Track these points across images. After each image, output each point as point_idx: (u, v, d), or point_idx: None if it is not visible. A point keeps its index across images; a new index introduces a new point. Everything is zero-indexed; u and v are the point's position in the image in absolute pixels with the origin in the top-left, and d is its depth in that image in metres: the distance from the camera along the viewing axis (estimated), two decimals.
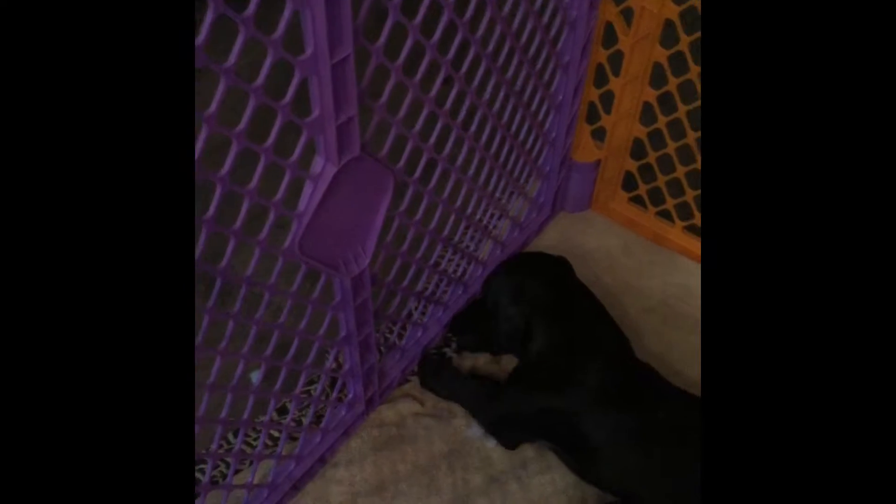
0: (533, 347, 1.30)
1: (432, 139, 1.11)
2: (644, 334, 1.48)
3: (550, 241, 1.63)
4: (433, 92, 1.05)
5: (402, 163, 1.07)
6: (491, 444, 1.33)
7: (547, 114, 1.40)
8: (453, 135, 1.16)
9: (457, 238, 1.34)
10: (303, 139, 0.88)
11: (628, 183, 1.62)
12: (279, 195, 0.92)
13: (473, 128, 1.20)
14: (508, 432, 1.32)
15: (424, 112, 1.06)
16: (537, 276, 1.35)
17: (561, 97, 1.40)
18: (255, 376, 1.22)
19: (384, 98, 0.97)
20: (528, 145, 1.40)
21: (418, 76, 1.00)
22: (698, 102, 1.37)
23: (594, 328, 1.32)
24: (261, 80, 0.78)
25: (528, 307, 1.31)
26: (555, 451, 1.31)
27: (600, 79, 1.45)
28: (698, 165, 1.47)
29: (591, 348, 1.28)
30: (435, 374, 1.38)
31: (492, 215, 1.43)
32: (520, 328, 1.30)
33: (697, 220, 1.55)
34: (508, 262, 1.42)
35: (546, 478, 1.31)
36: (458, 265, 1.41)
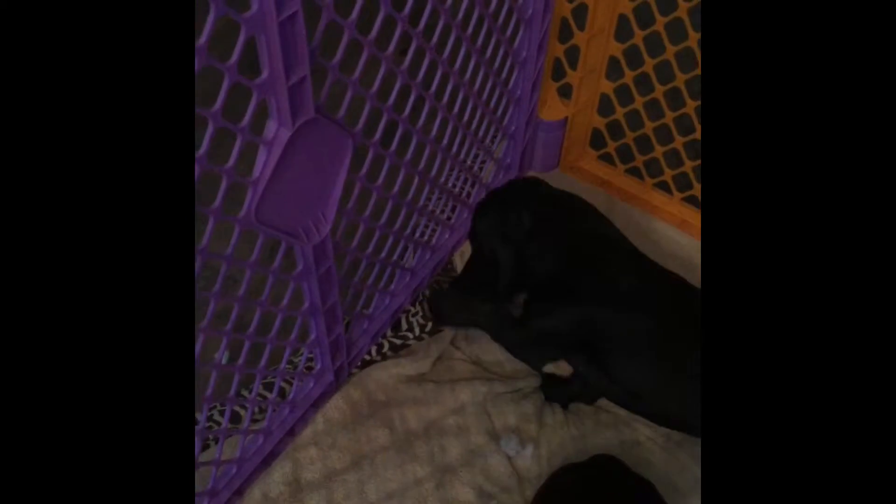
0: (541, 270, 1.28)
1: (391, 100, 1.07)
2: None
3: None
4: (390, 50, 1.01)
5: (360, 125, 1.03)
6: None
7: (511, 71, 1.36)
8: (413, 94, 1.12)
9: (421, 201, 1.30)
10: (253, 102, 0.84)
11: (596, 140, 1.60)
12: (231, 161, 0.87)
13: (434, 87, 1.15)
14: (535, 351, 1.33)
15: (381, 71, 1.02)
16: (518, 206, 1.31)
17: (524, 53, 1.36)
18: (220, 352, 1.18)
19: (338, 57, 0.92)
20: (493, 104, 1.36)
21: (373, 33, 0.96)
22: (665, 55, 1.34)
23: (596, 235, 1.32)
24: (204, 38, 0.73)
25: (520, 240, 1.29)
26: (576, 366, 1.31)
27: (565, 33, 1.41)
28: (667, 120, 1.44)
29: (601, 256, 1.29)
30: (450, 305, 1.37)
31: (458, 177, 1.39)
32: (518, 265, 1.28)
33: (667, 176, 1.53)
34: (483, 204, 1.38)
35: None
36: (424, 229, 1.38)
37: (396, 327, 1.41)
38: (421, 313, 1.42)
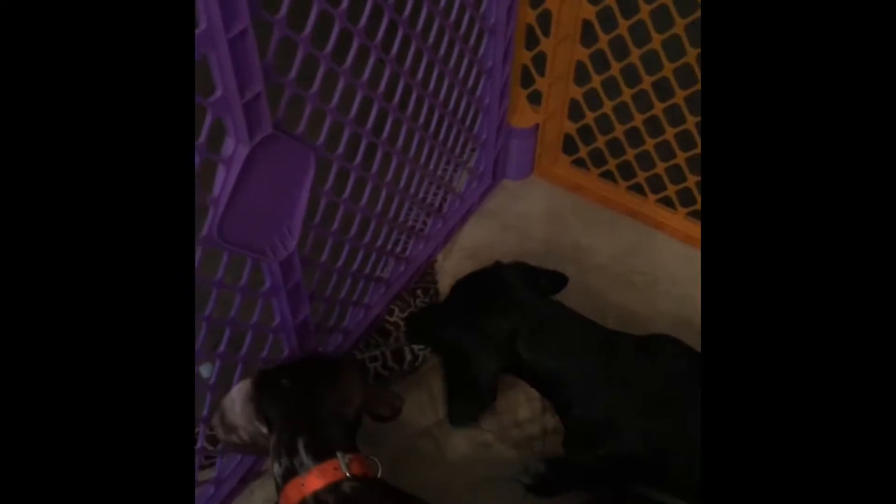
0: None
1: (353, 112, 1.07)
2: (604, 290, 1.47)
3: (495, 209, 1.60)
4: (348, 63, 1.01)
5: (322, 139, 1.03)
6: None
7: (477, 80, 1.36)
8: (375, 106, 1.11)
9: (391, 213, 1.30)
10: (208, 119, 0.84)
11: (569, 145, 1.59)
12: None
13: (397, 98, 1.15)
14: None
15: (341, 84, 1.02)
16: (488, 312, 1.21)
17: (490, 62, 1.36)
18: (206, 370, 1.18)
19: (293, 73, 0.92)
20: (461, 113, 1.36)
21: (329, 47, 0.96)
22: (631, 59, 1.34)
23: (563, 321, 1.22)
24: None
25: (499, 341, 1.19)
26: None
27: (531, 40, 1.41)
28: (637, 123, 1.44)
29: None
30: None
31: (429, 187, 1.39)
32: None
33: (640, 178, 1.53)
34: (440, 309, 1.30)
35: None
36: (397, 241, 1.37)
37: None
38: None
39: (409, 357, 1.33)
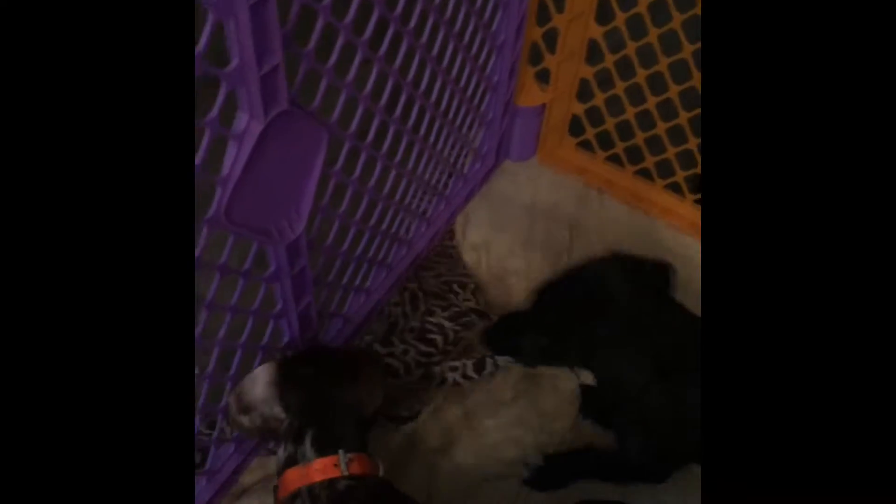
0: None
1: (367, 89, 1.01)
2: None
3: (498, 192, 1.54)
4: (366, 35, 0.94)
5: (335, 116, 0.96)
6: None
7: (488, 56, 1.30)
8: (390, 83, 1.05)
9: (398, 195, 1.24)
10: (222, 92, 0.77)
11: (575, 127, 1.54)
12: (199, 157, 0.80)
13: (411, 75, 1.09)
14: None
15: (357, 58, 0.96)
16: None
17: (502, 37, 1.30)
18: None
19: (312, 44, 0.86)
20: (470, 91, 1.30)
21: (349, 17, 0.89)
22: (648, 38, 1.29)
23: None
24: None
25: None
26: None
27: (543, 16, 1.35)
28: (649, 105, 1.39)
29: None
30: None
31: (435, 168, 1.33)
32: None
33: (649, 163, 1.48)
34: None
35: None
36: (401, 224, 1.31)
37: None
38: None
39: (490, 368, 1.29)
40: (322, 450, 0.95)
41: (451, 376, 1.28)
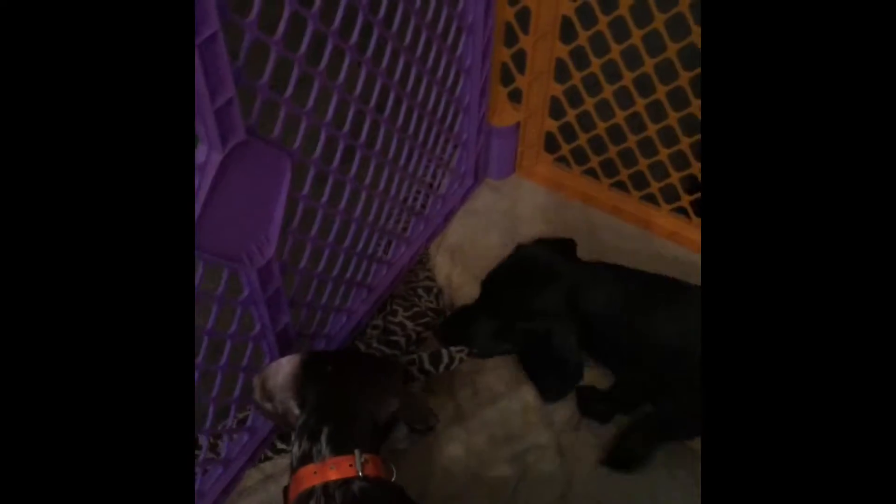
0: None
1: (329, 116, 1.05)
2: None
3: (478, 209, 1.58)
4: (322, 65, 0.99)
5: (297, 143, 1.00)
6: None
7: (456, 79, 1.34)
8: (352, 109, 1.09)
9: (371, 216, 1.28)
10: None
11: (550, 144, 1.58)
12: None
13: (374, 100, 1.13)
14: None
15: (315, 87, 1.00)
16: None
17: (469, 60, 1.34)
18: None
19: (266, 77, 0.90)
20: (440, 113, 1.34)
21: (303, 49, 0.94)
22: (611, 55, 1.33)
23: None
24: None
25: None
26: None
27: (510, 38, 1.39)
28: (618, 119, 1.42)
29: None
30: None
31: (409, 189, 1.37)
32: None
33: (623, 175, 1.51)
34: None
35: None
36: (378, 244, 1.35)
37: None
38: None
39: (445, 360, 1.32)
40: (337, 448, 0.96)
41: (408, 370, 1.31)
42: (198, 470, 1.17)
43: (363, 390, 1.03)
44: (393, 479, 0.99)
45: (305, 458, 0.96)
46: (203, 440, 1.17)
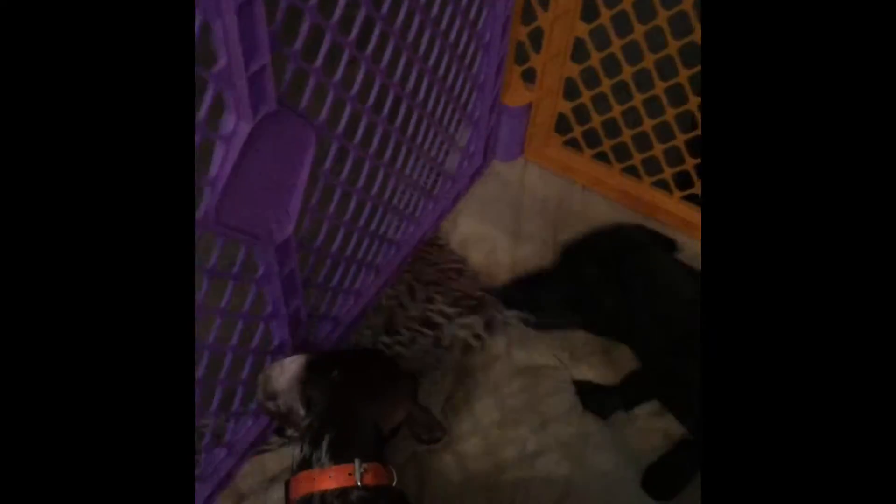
0: None
1: (355, 89, 1.01)
2: None
3: (486, 192, 1.54)
4: (352, 35, 0.94)
5: (323, 116, 0.96)
6: None
7: (475, 54, 1.30)
8: (377, 82, 1.05)
9: (386, 195, 1.24)
10: (209, 94, 0.77)
11: (562, 126, 1.54)
12: None
13: (398, 74, 1.09)
14: None
15: (344, 58, 0.95)
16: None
17: (488, 35, 1.30)
18: None
19: (299, 43, 0.85)
20: (457, 90, 1.30)
21: (335, 17, 0.89)
22: (634, 35, 1.29)
23: None
24: None
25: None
26: None
27: (528, 15, 1.35)
28: (636, 103, 1.39)
29: None
30: None
31: (423, 168, 1.33)
32: None
33: (636, 160, 1.48)
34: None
35: None
36: (390, 224, 1.31)
37: None
38: None
39: (500, 326, 1.30)
40: (338, 456, 0.95)
41: (462, 334, 1.29)
42: (203, 455, 1.13)
43: (369, 399, 1.01)
44: (394, 484, 0.98)
45: (305, 464, 0.96)
46: (210, 422, 1.13)
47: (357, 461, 0.94)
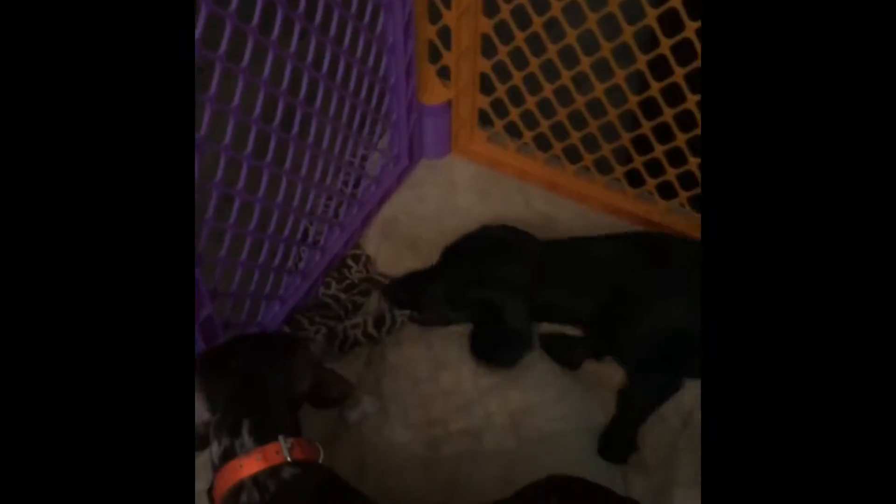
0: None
1: (235, 102, 1.02)
2: None
3: (413, 187, 1.56)
4: (221, 50, 0.96)
5: (203, 130, 0.98)
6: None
7: (378, 57, 1.32)
8: (261, 93, 1.07)
9: (295, 202, 1.26)
10: None
11: (484, 120, 1.56)
12: None
13: (285, 83, 1.11)
14: None
15: (216, 71, 0.97)
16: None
17: (391, 38, 1.32)
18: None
19: None
20: (363, 94, 1.32)
21: (198, 31, 0.91)
22: (533, 28, 1.31)
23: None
24: None
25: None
26: None
27: (434, 13, 1.37)
28: (546, 93, 1.41)
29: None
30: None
31: (336, 172, 1.35)
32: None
33: (557, 150, 1.50)
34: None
35: None
36: (307, 230, 1.33)
37: None
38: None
39: (389, 323, 1.32)
40: (261, 438, 0.93)
41: (352, 334, 1.31)
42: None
43: (274, 375, 1.00)
44: (321, 459, 0.97)
45: (228, 455, 0.94)
46: None
47: (282, 437, 0.93)
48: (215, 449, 0.95)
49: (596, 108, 1.37)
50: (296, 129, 1.18)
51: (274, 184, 1.18)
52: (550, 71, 1.37)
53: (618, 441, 1.23)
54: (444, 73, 1.49)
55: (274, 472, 0.92)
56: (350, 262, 1.43)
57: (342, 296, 1.38)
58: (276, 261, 1.27)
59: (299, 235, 1.31)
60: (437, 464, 1.23)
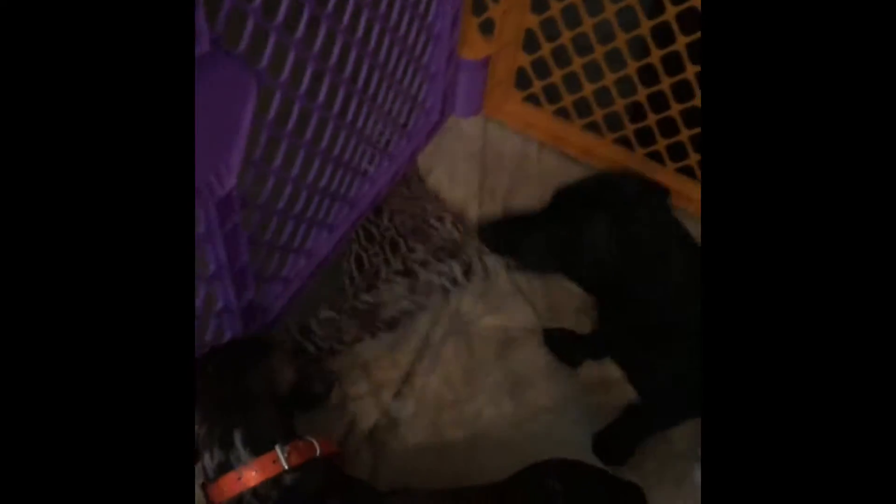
0: None
1: (299, 32, 0.95)
2: None
3: (445, 148, 1.49)
4: None
5: (265, 62, 0.90)
6: None
7: (429, 2, 1.24)
8: (323, 28, 0.99)
9: (336, 151, 1.18)
10: None
11: (522, 80, 1.49)
12: None
13: (346, 19, 1.03)
14: None
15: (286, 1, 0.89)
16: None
17: None
18: None
19: None
20: (410, 40, 1.24)
21: None
22: None
23: None
24: None
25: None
26: None
27: None
28: (596, 56, 1.34)
29: None
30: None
31: (376, 122, 1.27)
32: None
33: (597, 116, 1.44)
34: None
35: None
36: (341, 182, 1.25)
37: None
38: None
39: (479, 272, 1.26)
40: (256, 449, 0.91)
41: (437, 280, 1.25)
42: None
43: (257, 378, 0.96)
44: (317, 454, 0.94)
45: (223, 468, 0.91)
46: None
47: (278, 447, 0.91)
48: (208, 462, 0.93)
49: (650, 75, 1.31)
50: (348, 71, 1.10)
51: (320, 129, 1.11)
52: (605, 33, 1.30)
53: (617, 445, 1.19)
54: (486, 28, 1.41)
55: (274, 482, 0.90)
56: (435, 222, 1.36)
57: (430, 259, 1.30)
58: (310, 211, 1.20)
59: (334, 186, 1.23)
60: (445, 451, 1.19)
